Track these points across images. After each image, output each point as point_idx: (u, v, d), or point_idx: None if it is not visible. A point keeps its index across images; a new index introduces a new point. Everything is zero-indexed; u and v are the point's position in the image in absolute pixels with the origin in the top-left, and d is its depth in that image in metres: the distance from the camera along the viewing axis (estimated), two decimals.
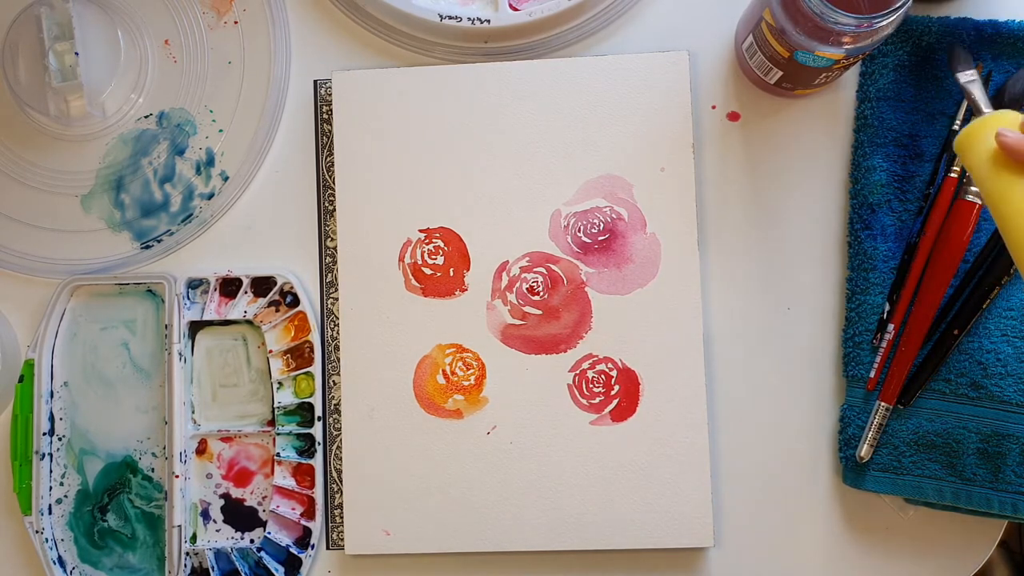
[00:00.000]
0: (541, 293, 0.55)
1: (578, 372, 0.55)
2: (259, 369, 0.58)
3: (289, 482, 0.56)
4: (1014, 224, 0.42)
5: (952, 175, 0.54)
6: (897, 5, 0.45)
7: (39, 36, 0.57)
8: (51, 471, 0.57)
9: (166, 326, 0.56)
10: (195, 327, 0.58)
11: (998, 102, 0.53)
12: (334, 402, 0.57)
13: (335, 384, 0.57)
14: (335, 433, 0.56)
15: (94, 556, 0.57)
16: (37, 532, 0.56)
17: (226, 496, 0.57)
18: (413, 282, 0.56)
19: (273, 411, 0.57)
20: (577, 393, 0.55)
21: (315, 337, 0.57)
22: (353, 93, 0.56)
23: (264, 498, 0.57)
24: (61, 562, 0.57)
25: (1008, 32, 0.54)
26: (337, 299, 0.57)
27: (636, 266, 0.55)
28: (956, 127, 0.54)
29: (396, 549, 0.55)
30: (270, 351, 0.57)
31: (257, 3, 0.59)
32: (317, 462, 0.56)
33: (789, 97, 0.57)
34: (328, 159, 0.58)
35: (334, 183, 0.57)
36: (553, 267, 0.55)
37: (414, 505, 0.55)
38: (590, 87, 0.56)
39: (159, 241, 0.58)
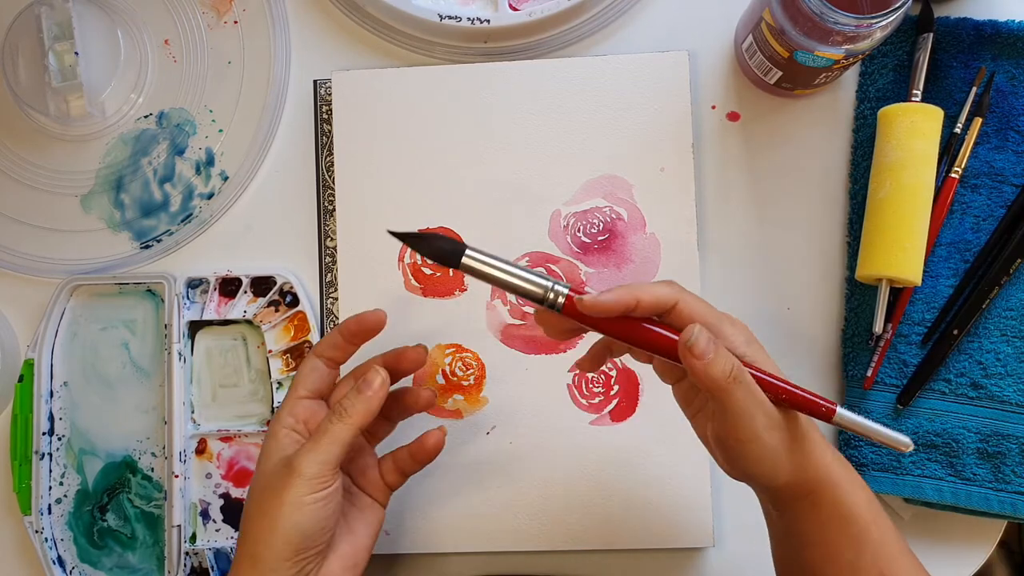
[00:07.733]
0: None
1: (578, 372, 0.55)
2: (259, 369, 0.58)
3: None
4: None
5: (953, 175, 0.54)
6: (897, 5, 0.45)
7: (39, 36, 0.57)
8: (51, 471, 0.57)
9: (166, 326, 0.56)
10: (195, 327, 0.58)
11: None
12: None
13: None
14: None
15: (94, 556, 0.57)
16: (37, 532, 0.56)
17: (226, 496, 0.57)
18: (413, 282, 0.56)
19: (273, 411, 0.57)
20: (577, 393, 0.55)
21: (315, 337, 0.56)
22: (353, 93, 0.56)
23: None
24: (61, 562, 0.57)
25: (1008, 32, 0.54)
26: (337, 299, 0.57)
27: (636, 266, 0.55)
28: (958, 129, 0.54)
29: (396, 549, 0.55)
30: (270, 351, 0.56)
31: (257, 3, 0.59)
32: None
33: (789, 97, 0.57)
34: (328, 159, 0.58)
35: (334, 183, 0.57)
36: (553, 267, 0.55)
37: (414, 505, 0.55)
38: (590, 87, 0.56)
39: (159, 241, 0.58)
